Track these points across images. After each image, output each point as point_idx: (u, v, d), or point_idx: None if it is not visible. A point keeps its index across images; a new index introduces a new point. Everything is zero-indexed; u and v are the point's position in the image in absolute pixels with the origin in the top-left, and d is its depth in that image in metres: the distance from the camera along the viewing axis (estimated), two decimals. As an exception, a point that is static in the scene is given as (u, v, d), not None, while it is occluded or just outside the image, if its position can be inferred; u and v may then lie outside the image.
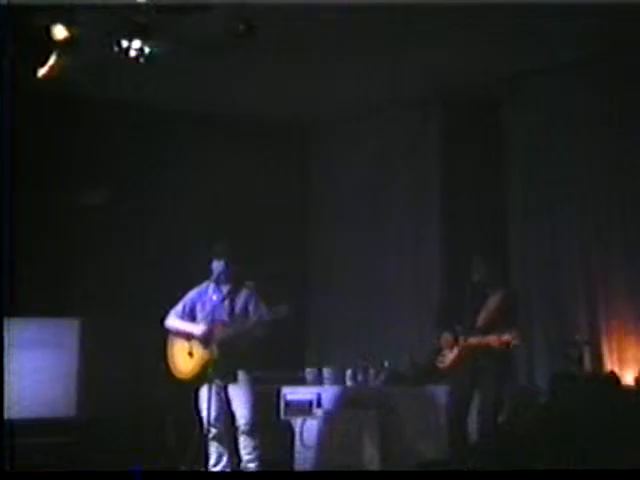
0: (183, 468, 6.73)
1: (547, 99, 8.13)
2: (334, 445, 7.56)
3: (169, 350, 6.84)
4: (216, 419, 6.58)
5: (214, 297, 6.79)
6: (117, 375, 7.95)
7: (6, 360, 7.06)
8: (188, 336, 6.73)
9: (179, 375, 6.77)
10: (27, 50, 5.63)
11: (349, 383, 7.92)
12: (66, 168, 8.24)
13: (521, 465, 6.22)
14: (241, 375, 6.63)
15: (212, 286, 6.81)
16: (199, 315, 6.83)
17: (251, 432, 6.59)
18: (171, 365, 6.81)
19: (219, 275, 6.74)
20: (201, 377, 6.62)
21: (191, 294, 6.92)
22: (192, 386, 6.74)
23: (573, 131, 7.99)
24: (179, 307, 6.89)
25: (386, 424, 7.48)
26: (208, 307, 6.78)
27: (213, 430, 6.60)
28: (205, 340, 6.60)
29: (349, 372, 7.94)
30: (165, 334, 6.90)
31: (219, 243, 6.81)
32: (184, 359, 6.73)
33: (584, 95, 7.90)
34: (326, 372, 8.02)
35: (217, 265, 6.74)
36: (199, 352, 6.64)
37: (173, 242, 8.49)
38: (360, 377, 7.94)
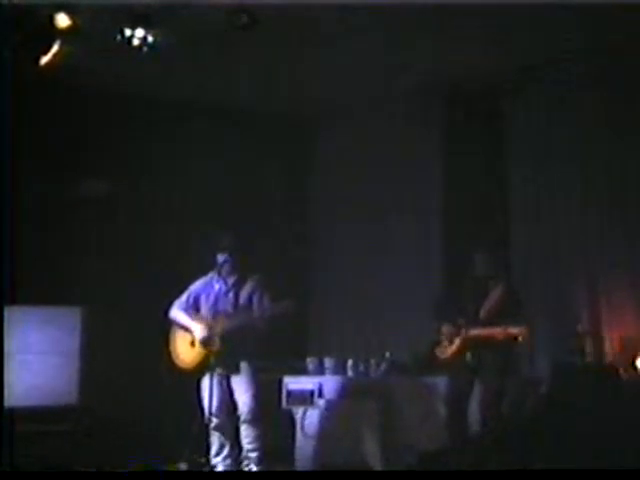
0: (184, 460, 6.74)
1: (549, 95, 8.12)
2: (335, 435, 7.58)
3: (172, 340, 6.86)
4: (218, 409, 6.61)
5: (218, 288, 6.80)
6: (119, 364, 7.95)
7: (6, 348, 7.09)
8: (191, 327, 6.74)
9: (181, 365, 6.78)
10: (29, 39, 5.61)
11: (350, 373, 7.93)
12: (68, 157, 8.23)
13: (522, 457, 6.28)
14: (243, 365, 6.64)
15: (216, 277, 6.82)
16: (203, 306, 6.84)
17: (252, 422, 6.60)
18: (173, 355, 6.83)
19: (223, 266, 6.75)
20: (203, 367, 6.63)
21: (195, 285, 6.92)
22: (194, 375, 6.76)
23: (574, 127, 7.97)
24: (183, 298, 6.90)
25: (387, 414, 7.50)
26: (212, 298, 6.79)
27: (215, 420, 6.62)
28: (207, 331, 6.61)
29: (350, 362, 7.94)
30: (168, 323, 6.92)
31: (223, 235, 6.82)
32: (186, 349, 6.74)
33: (586, 92, 7.89)
34: (327, 362, 8.02)
35: (221, 256, 6.75)
36: (208, 345, 6.65)
37: (176, 231, 8.49)
38: (361, 367, 7.96)
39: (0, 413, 6.83)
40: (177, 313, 6.87)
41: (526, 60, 7.94)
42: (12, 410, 7.09)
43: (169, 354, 6.84)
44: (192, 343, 6.71)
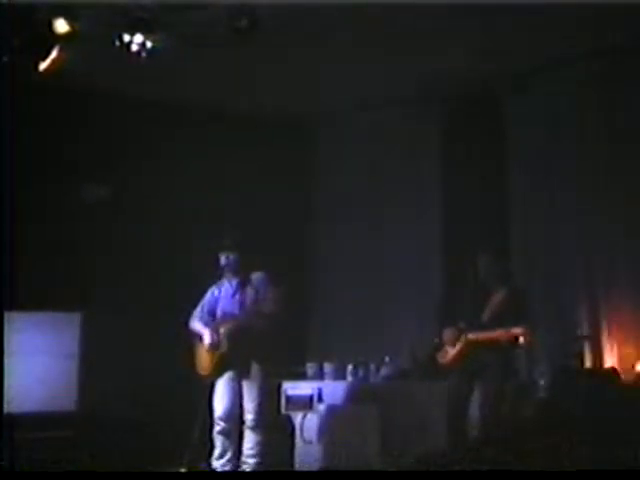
0: (185, 464, 6.73)
1: (548, 97, 8.14)
2: (335, 440, 7.55)
3: (194, 349, 6.92)
4: (227, 413, 6.63)
5: (224, 291, 6.89)
6: (118, 369, 7.94)
7: (6, 354, 7.09)
8: (202, 335, 6.81)
9: (202, 372, 6.85)
10: (29, 44, 5.61)
11: (350, 378, 7.93)
12: (67, 162, 8.21)
13: (522, 460, 6.28)
14: (253, 369, 6.66)
15: (222, 281, 6.90)
16: (216, 312, 6.92)
17: (257, 428, 6.62)
18: (196, 364, 6.89)
19: (226, 270, 6.79)
20: (217, 372, 6.72)
21: (208, 294, 7.00)
22: (196, 381, 6.78)
23: (574, 129, 7.99)
24: (198, 308, 6.99)
25: (387, 419, 7.48)
26: (220, 302, 6.89)
27: (221, 424, 6.65)
28: (214, 335, 6.66)
29: (350, 367, 7.95)
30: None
31: (222, 239, 6.85)
32: (203, 357, 6.82)
33: (585, 93, 7.91)
34: (327, 367, 8.04)
35: (223, 260, 6.79)
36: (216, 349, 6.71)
37: (174, 236, 8.48)
38: (361, 372, 7.95)
39: (0, 417, 6.82)
40: (194, 323, 6.97)
41: (526, 60, 7.95)
42: (12, 415, 7.08)
43: (194, 363, 6.90)
44: (207, 350, 6.76)
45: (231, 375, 6.69)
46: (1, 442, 6.87)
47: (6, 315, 7.14)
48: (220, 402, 6.66)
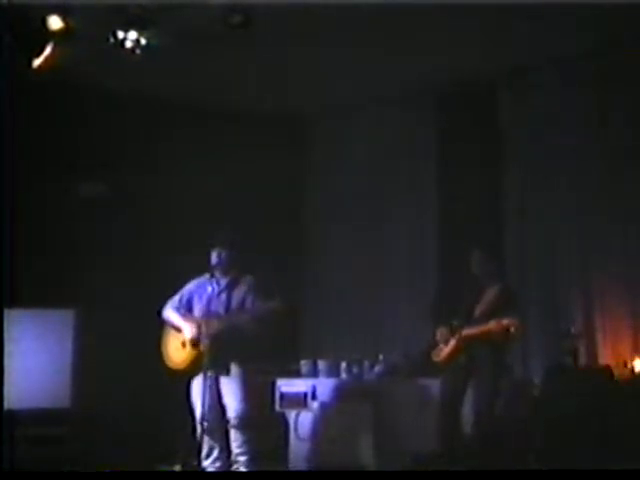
0: (176, 462, 6.73)
1: (544, 96, 8.15)
2: (329, 438, 7.57)
3: (163, 340, 6.82)
4: (208, 411, 6.56)
5: (211, 289, 6.76)
6: (114, 366, 7.95)
7: (6, 350, 7.11)
8: (181, 328, 6.72)
9: (171, 365, 6.72)
10: (24, 42, 5.64)
11: (344, 376, 7.93)
12: (63, 159, 8.24)
13: (516, 458, 6.30)
14: (233, 368, 6.62)
15: (210, 278, 6.78)
16: (195, 307, 6.78)
17: (241, 426, 6.55)
18: (164, 355, 6.77)
19: (216, 268, 6.74)
20: (192, 368, 6.60)
21: (189, 285, 6.88)
22: (184, 377, 6.75)
23: (570, 128, 7.99)
24: (176, 298, 6.86)
25: (381, 417, 7.49)
26: (205, 299, 6.72)
27: (204, 423, 6.59)
28: (197, 331, 6.59)
29: (344, 364, 7.95)
30: (161, 324, 6.92)
31: (216, 236, 6.82)
32: (177, 349, 6.68)
33: (582, 92, 7.91)
34: (321, 364, 8.03)
35: (214, 258, 6.75)
36: (197, 345, 6.63)
37: (171, 234, 8.50)
38: (355, 369, 7.96)
39: (0, 415, 6.85)
40: (170, 313, 6.83)
41: (526, 60, 7.96)
42: (12, 412, 7.11)
43: (161, 355, 6.80)
44: (183, 344, 6.65)
45: (210, 373, 6.54)
46: (1, 438, 6.89)
47: (5, 312, 7.15)
48: (200, 400, 6.53)
